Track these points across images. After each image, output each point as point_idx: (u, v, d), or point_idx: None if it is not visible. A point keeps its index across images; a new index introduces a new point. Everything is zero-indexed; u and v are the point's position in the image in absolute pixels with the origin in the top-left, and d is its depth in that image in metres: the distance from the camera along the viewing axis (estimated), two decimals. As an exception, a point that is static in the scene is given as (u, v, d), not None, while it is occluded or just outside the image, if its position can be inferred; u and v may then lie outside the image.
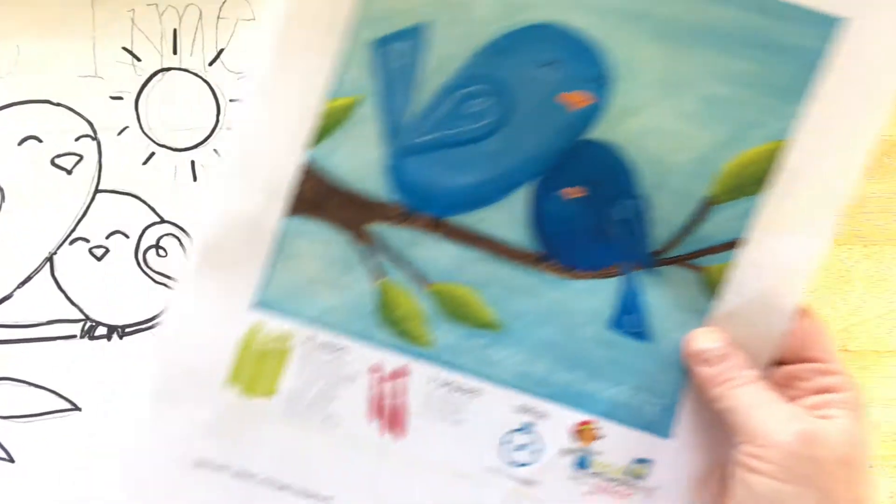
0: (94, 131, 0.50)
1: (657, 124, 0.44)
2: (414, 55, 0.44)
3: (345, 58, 0.44)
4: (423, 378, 0.47)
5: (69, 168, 0.49)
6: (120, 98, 0.50)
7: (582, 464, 0.48)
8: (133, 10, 0.50)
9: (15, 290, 0.49)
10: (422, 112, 0.45)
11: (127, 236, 0.50)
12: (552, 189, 0.46)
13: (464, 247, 0.46)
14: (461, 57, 0.44)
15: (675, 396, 0.46)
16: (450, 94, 0.45)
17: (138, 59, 0.50)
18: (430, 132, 0.45)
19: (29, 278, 0.49)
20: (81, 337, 0.49)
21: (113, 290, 0.50)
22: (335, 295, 0.45)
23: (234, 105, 0.52)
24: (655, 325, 0.47)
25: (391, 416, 0.47)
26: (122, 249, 0.50)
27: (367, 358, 0.46)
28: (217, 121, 0.51)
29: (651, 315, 0.47)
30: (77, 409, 0.49)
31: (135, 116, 0.50)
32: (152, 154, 0.51)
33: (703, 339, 0.44)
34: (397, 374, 0.47)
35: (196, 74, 0.51)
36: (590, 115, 0.44)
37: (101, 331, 0.50)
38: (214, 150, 0.51)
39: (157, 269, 0.50)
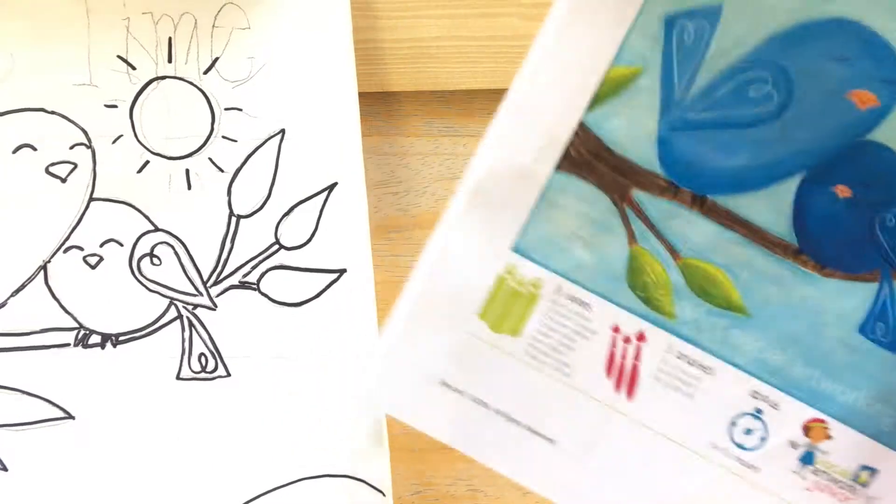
0: (89, 139, 0.50)
1: None
2: (704, 34, 0.45)
3: (635, 28, 0.45)
4: (661, 346, 0.48)
5: (63, 176, 0.49)
6: (114, 106, 0.50)
7: (807, 459, 0.48)
8: (128, 18, 0.50)
9: (9, 298, 0.48)
10: (702, 90, 0.46)
11: (121, 245, 0.50)
12: (822, 184, 0.46)
13: (722, 227, 0.46)
14: (751, 42, 0.44)
15: None
16: (733, 77, 0.45)
17: (133, 68, 0.50)
18: (708, 110, 0.46)
19: (23, 286, 0.49)
20: (75, 345, 0.49)
21: (107, 299, 0.50)
22: (589, 252, 0.47)
23: (228, 114, 0.51)
24: (907, 337, 0.48)
25: (625, 376, 0.48)
26: (116, 258, 0.50)
27: (610, 316, 0.48)
28: (212, 129, 0.51)
29: None
30: (70, 417, 0.49)
31: (129, 125, 0.50)
32: (147, 162, 0.50)
33: None
34: (637, 338, 0.48)
35: (191, 83, 0.51)
36: (876, 117, 0.44)
37: (95, 339, 0.49)
38: (209, 159, 0.51)
39: (150, 278, 0.50)
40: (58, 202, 0.49)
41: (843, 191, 0.46)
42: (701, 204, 0.47)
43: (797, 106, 0.45)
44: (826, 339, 0.47)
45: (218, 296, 0.51)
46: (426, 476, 0.60)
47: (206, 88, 0.51)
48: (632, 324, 0.48)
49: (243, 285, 0.51)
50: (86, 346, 0.49)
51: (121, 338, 0.50)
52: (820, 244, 0.47)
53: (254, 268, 0.51)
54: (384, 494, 0.52)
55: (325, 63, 0.51)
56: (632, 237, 0.47)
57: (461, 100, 0.57)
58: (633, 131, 0.46)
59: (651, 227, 0.47)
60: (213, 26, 0.51)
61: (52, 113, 0.49)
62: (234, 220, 0.51)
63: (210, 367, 0.51)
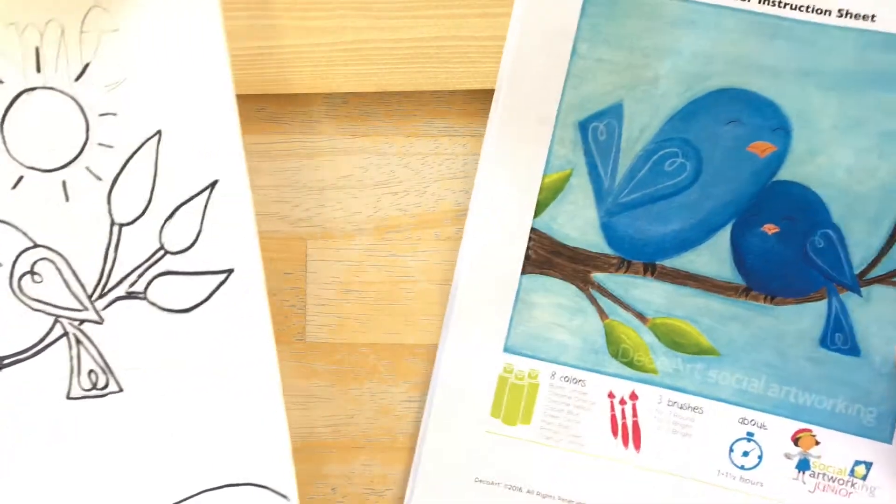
0: (-41, 159, 0.48)
1: (838, 161, 0.50)
2: (614, 129, 0.52)
3: (555, 139, 0.53)
4: (653, 399, 0.55)
5: (-65, 198, 0.48)
6: (-16, 122, 0.48)
7: (803, 466, 0.54)
8: (-9, 31, 0.49)
9: None
10: (625, 175, 0.53)
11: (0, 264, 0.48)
12: (751, 227, 0.52)
13: (675, 286, 0.53)
14: (655, 125, 0.52)
15: (892, 404, 0.52)
16: (649, 158, 0.52)
17: (1, 81, 0.49)
18: (635, 191, 0.53)
19: None
20: (-42, 372, 0.47)
21: (-12, 321, 0.48)
22: (570, 336, 0.55)
23: (103, 119, 0.50)
24: (864, 340, 0.52)
25: (629, 433, 0.55)
26: (-6, 278, 0.48)
27: (604, 386, 0.55)
28: (87, 137, 0.49)
29: (859, 332, 0.52)
30: (-44, 447, 0.47)
31: (0, 139, 0.49)
32: (20, 178, 0.49)
33: None
34: (630, 397, 0.55)
35: (62, 91, 0.49)
36: (776, 160, 0.51)
37: (-22, 364, 0.48)
38: (86, 168, 0.49)
39: (32, 296, 0.48)
40: (-70, 225, 0.48)
41: (770, 228, 0.52)
42: (652, 271, 0.54)
43: (708, 168, 0.51)
44: (793, 359, 0.53)
45: (104, 309, 0.49)
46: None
47: (77, 96, 0.49)
48: (623, 387, 0.55)
49: (130, 295, 0.49)
50: (-32, 372, 0.47)
51: (5, 361, 0.48)
52: (764, 279, 0.52)
53: (140, 276, 0.49)
54: (288, 499, 0.50)
55: (197, 60, 0.49)
56: (602, 313, 0.55)
57: (461, 100, 0.57)
58: (578, 224, 0.53)
59: (616, 300, 0.54)
60: (81, 31, 0.50)
61: (-81, 133, 0.48)
62: (115, 228, 0.49)
63: (101, 383, 0.49)
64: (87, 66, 0.50)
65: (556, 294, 0.54)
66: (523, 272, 0.54)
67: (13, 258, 0.48)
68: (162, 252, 0.49)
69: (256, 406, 0.49)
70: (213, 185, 0.49)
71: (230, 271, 0.49)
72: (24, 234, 0.48)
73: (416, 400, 0.59)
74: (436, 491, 0.57)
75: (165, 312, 0.49)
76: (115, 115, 0.50)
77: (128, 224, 0.49)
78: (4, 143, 0.48)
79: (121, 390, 0.49)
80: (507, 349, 0.55)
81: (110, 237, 0.49)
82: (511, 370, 0.55)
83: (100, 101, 0.50)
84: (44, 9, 0.49)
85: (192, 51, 0.50)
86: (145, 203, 0.49)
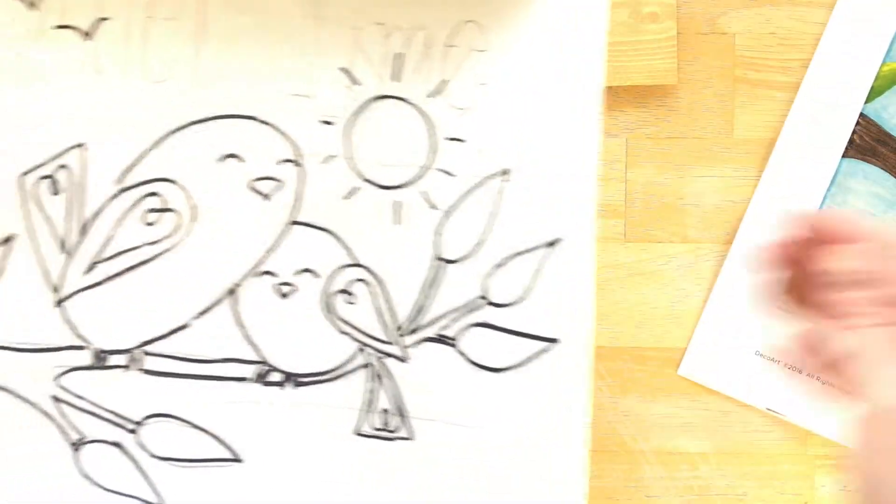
0: (299, 156, 0.45)
1: None
2: None
3: None
4: None
5: (266, 193, 0.45)
6: (330, 123, 0.46)
7: None
8: (358, 28, 0.46)
9: (193, 319, 0.45)
10: None
11: (317, 276, 0.45)
12: None
13: None
14: None
15: None
16: None
17: (356, 83, 0.46)
18: None
19: (209, 309, 0.45)
20: (255, 381, 0.45)
21: (294, 334, 0.45)
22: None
23: (449, 144, 0.46)
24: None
25: None
26: (309, 290, 0.45)
27: None
28: (430, 160, 0.46)
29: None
30: (238, 460, 0.45)
31: (342, 145, 0.46)
32: (355, 189, 0.46)
33: None
34: None
35: (414, 105, 0.46)
36: None
37: (276, 377, 0.45)
38: (422, 193, 0.45)
39: (342, 317, 0.45)
40: (257, 221, 0.45)
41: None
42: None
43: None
44: None
45: (411, 346, 0.45)
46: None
47: (429, 113, 0.46)
48: None
49: (440, 339, 0.45)
50: (265, 383, 0.45)
51: (302, 379, 0.45)
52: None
53: (454, 321, 0.45)
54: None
55: (568, 102, 0.45)
56: None
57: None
58: None
59: None
60: (447, 45, 0.46)
61: (264, 123, 0.46)
62: (439, 263, 0.45)
63: (392, 425, 0.45)
64: (444, 82, 0.46)
65: (874, 183, 0.53)
66: (844, 155, 0.53)
67: (330, 272, 0.45)
68: (483, 301, 0.45)
69: (554, 481, 0.45)
70: (555, 242, 0.45)
71: (555, 341, 0.45)
72: (348, 249, 0.46)
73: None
74: (714, 355, 0.55)
75: (473, 366, 0.45)
76: (462, 141, 0.46)
77: (452, 262, 0.45)
78: (347, 148, 0.46)
79: (411, 438, 0.45)
80: None
81: (431, 272, 0.45)
82: None
83: (450, 123, 0.46)
84: (415, 14, 0.46)
85: (564, 88, 0.45)
86: (476, 244, 0.45)
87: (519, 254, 0.45)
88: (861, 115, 0.53)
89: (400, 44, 0.46)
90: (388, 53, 0.46)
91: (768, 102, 0.55)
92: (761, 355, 0.55)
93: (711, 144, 0.55)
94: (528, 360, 0.45)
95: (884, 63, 0.53)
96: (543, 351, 0.45)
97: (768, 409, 0.55)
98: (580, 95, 0.45)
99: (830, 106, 0.53)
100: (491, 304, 0.45)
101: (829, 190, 0.53)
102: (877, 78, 0.53)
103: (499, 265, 0.45)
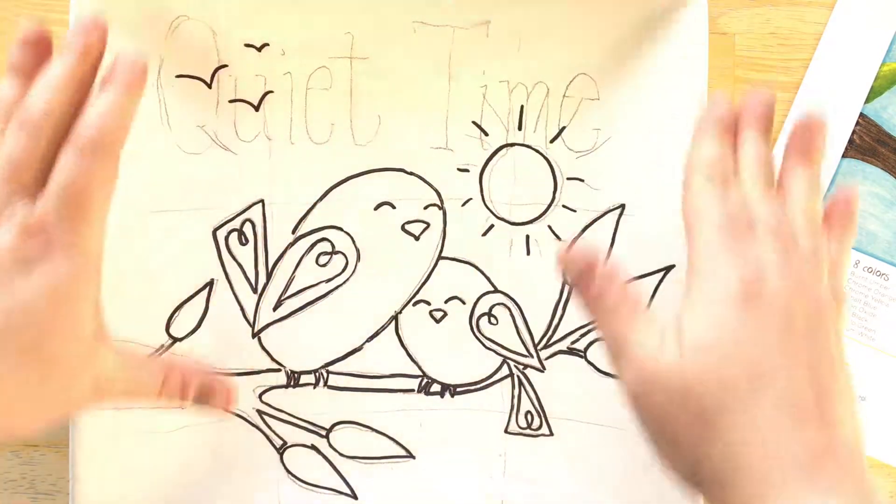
0: (441, 201, 0.53)
1: None
2: None
3: None
4: None
5: (417, 234, 0.54)
6: (466, 170, 0.53)
7: None
8: (485, 86, 0.53)
9: (364, 343, 0.54)
10: None
11: (463, 302, 0.54)
12: None
13: None
14: None
15: None
16: None
17: (486, 134, 0.53)
18: None
19: (377, 334, 0.54)
20: (418, 392, 0.54)
21: (448, 352, 0.54)
22: (882, 227, 0.54)
23: (570, 184, 0.53)
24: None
25: None
26: (458, 314, 0.54)
27: None
28: (553, 197, 0.53)
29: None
30: (411, 456, 0.54)
31: (478, 189, 0.53)
32: (491, 226, 0.53)
33: None
34: None
35: (537, 151, 0.53)
36: None
37: (436, 388, 0.54)
38: (549, 227, 0.53)
39: (488, 336, 0.54)
40: (411, 258, 0.54)
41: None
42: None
43: None
44: None
45: (547, 359, 0.54)
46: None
47: (551, 157, 0.53)
48: None
49: (571, 351, 0.53)
50: (428, 393, 0.54)
51: (458, 389, 0.54)
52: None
53: (582, 336, 0.53)
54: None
55: (671, 142, 0.51)
56: None
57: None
58: None
59: None
60: (564, 96, 0.53)
61: (411, 174, 0.53)
62: (567, 288, 0.53)
63: (535, 424, 0.54)
64: (562, 129, 0.53)
65: (874, 183, 0.53)
66: (844, 155, 0.54)
67: (475, 299, 0.54)
68: (606, 319, 0.53)
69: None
70: (668, 269, 0.52)
71: (669, 353, 0.52)
72: (488, 278, 0.54)
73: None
74: None
75: (600, 374, 0.53)
76: (581, 180, 0.53)
77: (579, 285, 0.53)
78: (482, 191, 0.53)
79: (552, 434, 0.54)
80: None
81: (561, 294, 0.53)
82: None
83: (570, 165, 0.53)
84: (535, 71, 0.52)
85: (666, 130, 0.51)
86: (598, 269, 0.52)
87: (634, 279, 0.52)
88: (861, 115, 0.54)
89: (522, 97, 0.53)
90: (513, 106, 0.53)
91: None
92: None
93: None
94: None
95: (884, 63, 0.53)
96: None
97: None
98: (681, 137, 0.50)
99: (830, 106, 0.54)
100: (613, 321, 0.53)
101: (828, 190, 0.53)
102: (877, 78, 0.53)
103: (618, 288, 0.52)
